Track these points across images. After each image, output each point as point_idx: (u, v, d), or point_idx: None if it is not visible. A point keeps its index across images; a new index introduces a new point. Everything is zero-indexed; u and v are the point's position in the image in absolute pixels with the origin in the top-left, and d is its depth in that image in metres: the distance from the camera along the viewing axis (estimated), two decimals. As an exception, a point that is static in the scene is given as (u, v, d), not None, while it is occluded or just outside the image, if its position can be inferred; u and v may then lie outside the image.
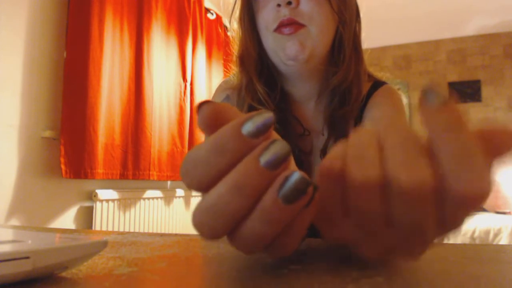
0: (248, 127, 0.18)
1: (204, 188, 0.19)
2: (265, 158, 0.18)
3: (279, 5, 0.58)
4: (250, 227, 0.18)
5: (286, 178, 0.18)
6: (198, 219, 0.19)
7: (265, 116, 0.19)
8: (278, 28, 0.58)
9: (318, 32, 0.59)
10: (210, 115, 0.20)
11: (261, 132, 0.18)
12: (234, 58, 0.68)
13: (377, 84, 0.68)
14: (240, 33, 0.65)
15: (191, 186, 0.20)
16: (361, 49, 0.66)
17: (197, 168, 0.19)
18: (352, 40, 0.63)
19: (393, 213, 0.18)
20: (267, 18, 0.60)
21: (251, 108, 0.63)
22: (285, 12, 0.58)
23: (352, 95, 0.62)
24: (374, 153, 0.18)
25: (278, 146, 0.18)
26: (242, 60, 0.65)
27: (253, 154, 0.18)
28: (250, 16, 0.64)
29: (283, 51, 0.59)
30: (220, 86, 0.73)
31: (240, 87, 0.66)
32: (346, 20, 0.62)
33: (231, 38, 0.70)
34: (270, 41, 0.60)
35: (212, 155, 0.19)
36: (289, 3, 0.57)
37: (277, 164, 0.18)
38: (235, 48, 0.68)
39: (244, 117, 0.19)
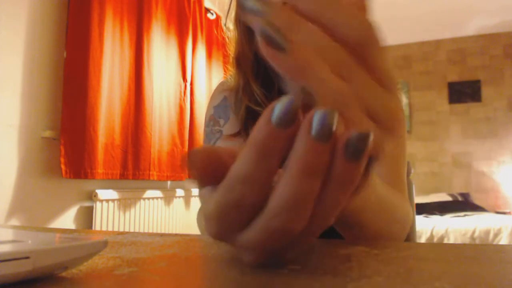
0: (277, 119, 0.17)
1: (246, 209, 0.18)
2: (316, 133, 0.17)
3: None
4: (329, 202, 0.18)
5: (348, 139, 0.17)
6: (280, 222, 0.18)
7: (284, 102, 0.17)
8: None
9: None
10: (203, 161, 0.19)
11: (290, 119, 0.17)
12: (231, 59, 0.68)
13: None
14: (236, 34, 0.65)
15: (230, 217, 0.19)
16: None
17: (241, 188, 0.18)
18: None
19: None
20: None
21: (248, 109, 0.63)
22: None
23: None
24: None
25: (321, 115, 0.17)
26: (239, 61, 0.65)
27: (302, 134, 0.17)
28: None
29: None
30: (217, 88, 0.73)
31: (237, 89, 0.66)
32: None
33: (227, 39, 0.70)
34: None
35: (257, 164, 0.18)
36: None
37: (329, 133, 0.17)
38: (231, 49, 0.68)
39: (267, 113, 0.18)
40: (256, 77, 0.64)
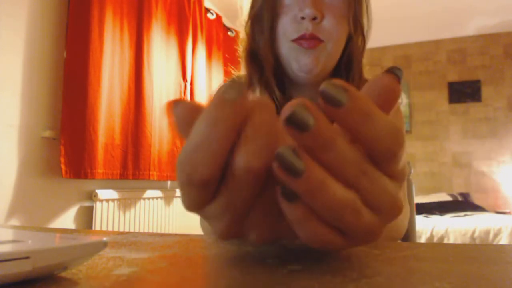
0: (224, 91, 0.19)
1: (204, 184, 0.19)
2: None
3: (303, 18, 0.59)
4: None
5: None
6: (243, 159, 0.19)
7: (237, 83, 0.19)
8: (298, 40, 0.59)
9: (334, 48, 0.61)
10: (186, 113, 0.20)
11: (237, 91, 0.19)
12: (243, 56, 0.68)
13: None
14: (257, 31, 0.65)
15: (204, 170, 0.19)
16: (362, 62, 0.67)
17: (194, 159, 0.19)
18: (359, 59, 0.66)
19: None
20: (287, 26, 0.60)
21: None
22: (308, 27, 0.58)
23: None
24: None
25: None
26: (253, 57, 0.66)
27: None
28: (271, 17, 0.63)
29: (298, 62, 0.60)
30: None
31: (248, 86, 0.67)
32: (358, 34, 0.64)
33: (243, 35, 0.69)
34: (286, 49, 0.61)
35: (206, 132, 0.19)
36: (315, 18, 0.58)
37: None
38: (244, 46, 0.68)
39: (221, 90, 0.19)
40: (274, 72, 0.65)
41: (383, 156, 0.19)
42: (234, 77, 0.73)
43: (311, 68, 0.60)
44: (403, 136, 0.19)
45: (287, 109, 0.18)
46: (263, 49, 0.64)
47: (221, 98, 0.19)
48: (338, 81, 0.18)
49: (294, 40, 0.59)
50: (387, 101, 0.20)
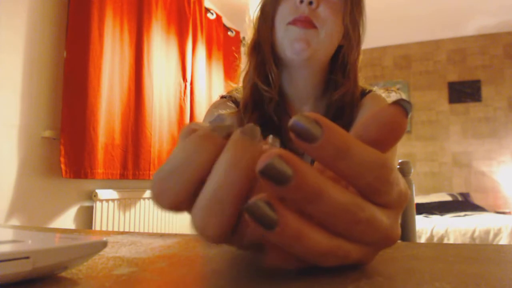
0: (213, 125, 0.19)
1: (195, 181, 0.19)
2: (242, 131, 0.18)
3: (301, 2, 0.63)
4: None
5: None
6: (200, 219, 0.18)
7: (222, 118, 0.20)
8: (293, 21, 0.64)
9: (326, 36, 0.64)
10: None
11: (224, 129, 0.19)
12: (248, 45, 0.72)
13: (364, 93, 0.73)
14: (260, 21, 0.70)
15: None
16: (357, 73, 0.71)
17: (172, 178, 0.19)
18: (355, 63, 0.70)
19: None
20: (285, 12, 0.65)
21: (254, 89, 0.69)
22: (304, 10, 0.63)
23: (345, 111, 0.69)
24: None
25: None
26: (256, 46, 0.70)
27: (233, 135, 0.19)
28: (274, 7, 0.68)
29: (291, 44, 0.64)
30: (213, 104, 0.77)
31: (247, 71, 0.72)
32: (351, 37, 0.68)
33: (249, 23, 0.74)
34: (281, 32, 0.66)
35: (186, 157, 0.19)
36: (311, 3, 0.63)
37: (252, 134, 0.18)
38: (249, 36, 0.73)
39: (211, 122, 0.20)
40: (273, 58, 0.69)
41: (366, 192, 0.18)
42: (226, 94, 0.77)
43: (302, 50, 0.63)
44: (388, 170, 0.18)
45: (262, 160, 0.16)
46: (263, 34, 0.68)
47: (207, 131, 0.19)
48: (311, 114, 0.17)
49: (289, 23, 0.64)
50: (390, 134, 0.19)
